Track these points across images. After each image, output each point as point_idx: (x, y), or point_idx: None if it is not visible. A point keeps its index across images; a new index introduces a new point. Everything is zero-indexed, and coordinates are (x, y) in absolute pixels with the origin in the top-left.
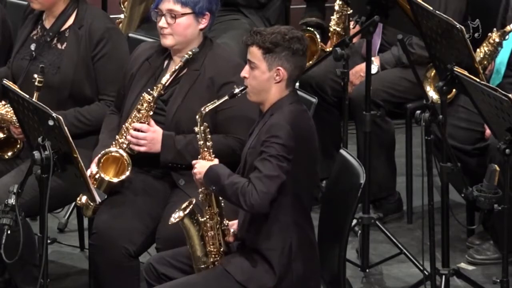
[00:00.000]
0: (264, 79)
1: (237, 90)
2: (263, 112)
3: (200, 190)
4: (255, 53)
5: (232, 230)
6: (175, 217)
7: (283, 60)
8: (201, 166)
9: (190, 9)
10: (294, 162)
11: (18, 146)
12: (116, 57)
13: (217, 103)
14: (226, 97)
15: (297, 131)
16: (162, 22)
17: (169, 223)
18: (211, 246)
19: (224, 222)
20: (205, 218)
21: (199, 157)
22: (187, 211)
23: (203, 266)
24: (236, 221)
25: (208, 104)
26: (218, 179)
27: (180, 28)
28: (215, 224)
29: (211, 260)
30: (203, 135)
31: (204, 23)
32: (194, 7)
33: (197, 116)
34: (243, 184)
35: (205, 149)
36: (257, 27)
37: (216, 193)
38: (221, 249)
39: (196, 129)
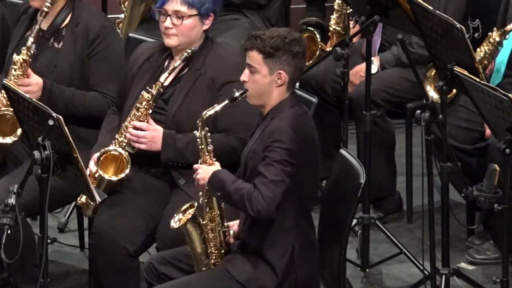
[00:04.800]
0: (265, 83)
1: (237, 94)
2: (263, 114)
3: (201, 193)
4: (255, 57)
5: (232, 231)
6: (176, 220)
7: (284, 64)
8: (204, 172)
9: (196, 11)
10: (297, 165)
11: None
12: (111, 54)
13: (218, 107)
14: (227, 101)
15: (299, 135)
16: (167, 23)
17: (171, 227)
18: (212, 248)
19: (225, 223)
20: (206, 221)
21: (200, 161)
22: (189, 215)
23: (204, 268)
24: (236, 222)
25: (209, 109)
26: (223, 185)
27: (186, 29)
28: (216, 226)
29: (212, 261)
30: (204, 139)
31: (207, 24)
32: (200, 8)
33: (198, 121)
34: (249, 190)
35: (206, 153)
36: (257, 27)
37: (221, 199)
38: (222, 250)
39: (197, 133)
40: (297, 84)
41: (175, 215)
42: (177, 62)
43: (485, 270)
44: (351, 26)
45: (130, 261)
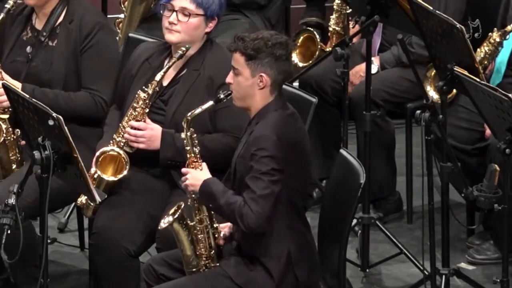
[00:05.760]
0: (248, 85)
1: (222, 96)
2: (250, 118)
3: (188, 195)
4: (238, 59)
5: (222, 233)
6: (165, 222)
7: (266, 67)
8: (193, 179)
9: (203, 11)
10: (285, 170)
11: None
12: (103, 51)
13: (203, 108)
14: (212, 102)
15: (283, 140)
16: (172, 18)
17: (159, 228)
18: (201, 249)
19: (215, 225)
20: (194, 222)
21: (187, 162)
22: (176, 215)
23: (194, 269)
24: (227, 224)
25: (194, 110)
26: (214, 198)
27: (190, 27)
28: (204, 227)
29: (202, 263)
30: (190, 140)
31: (210, 27)
32: (207, 9)
33: (183, 122)
34: (239, 205)
35: (192, 155)
36: (257, 27)
37: (213, 210)
38: (212, 252)
39: (183, 135)
40: (297, 84)
41: (165, 216)
42: (172, 60)
43: (485, 270)
44: (350, 26)
45: (130, 261)
